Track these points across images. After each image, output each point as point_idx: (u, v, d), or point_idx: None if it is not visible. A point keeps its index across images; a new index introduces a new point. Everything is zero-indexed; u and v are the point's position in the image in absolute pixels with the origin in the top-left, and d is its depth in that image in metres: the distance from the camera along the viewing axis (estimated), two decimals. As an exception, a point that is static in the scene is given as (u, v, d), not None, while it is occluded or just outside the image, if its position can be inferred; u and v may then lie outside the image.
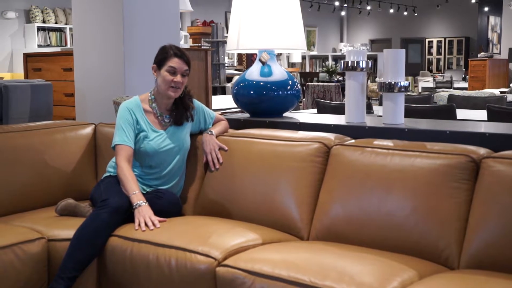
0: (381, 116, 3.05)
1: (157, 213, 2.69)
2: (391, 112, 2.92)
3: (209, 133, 3.00)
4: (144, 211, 2.64)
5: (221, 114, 3.32)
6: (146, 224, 2.59)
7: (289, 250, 2.37)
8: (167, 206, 2.77)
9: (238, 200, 2.82)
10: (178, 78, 2.83)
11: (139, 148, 2.87)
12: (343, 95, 9.26)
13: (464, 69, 17.01)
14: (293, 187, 2.68)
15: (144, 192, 2.86)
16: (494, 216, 2.16)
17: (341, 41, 20.21)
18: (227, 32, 3.59)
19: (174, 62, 2.82)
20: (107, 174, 2.96)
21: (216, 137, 3.01)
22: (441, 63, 18.97)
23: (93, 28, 4.38)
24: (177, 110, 2.93)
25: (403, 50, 2.96)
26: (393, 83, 2.87)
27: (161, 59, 2.85)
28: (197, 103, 3.04)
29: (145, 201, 2.68)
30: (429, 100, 6.10)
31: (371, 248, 2.36)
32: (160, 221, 2.62)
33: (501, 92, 8.80)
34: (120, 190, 2.73)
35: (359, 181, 2.51)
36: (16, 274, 2.48)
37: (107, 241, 2.58)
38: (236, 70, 12.69)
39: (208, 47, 7.18)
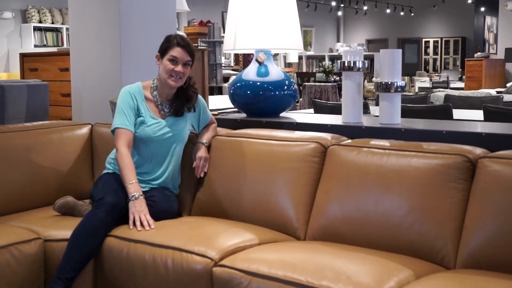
0: (377, 116, 3.05)
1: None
2: (387, 112, 2.93)
3: (205, 144, 2.97)
4: (139, 206, 2.62)
5: (218, 114, 3.32)
6: (141, 224, 2.58)
7: (285, 250, 2.37)
8: (161, 214, 2.72)
9: (234, 201, 2.81)
10: (179, 68, 2.81)
11: (134, 133, 2.83)
12: (340, 95, 9.25)
13: (460, 69, 17.03)
14: (289, 187, 2.68)
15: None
16: (490, 216, 2.16)
17: (338, 41, 20.21)
18: (224, 32, 3.59)
19: (176, 51, 2.81)
20: (106, 171, 2.94)
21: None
22: (438, 63, 19.00)
23: (89, 28, 4.37)
24: (178, 101, 2.91)
25: (400, 50, 2.97)
26: (389, 83, 2.87)
27: (164, 48, 2.84)
28: (200, 98, 3.01)
29: (141, 193, 2.67)
30: (426, 100, 6.10)
31: (368, 248, 2.36)
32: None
33: (498, 92, 8.83)
34: (117, 188, 2.72)
35: (356, 181, 2.51)
36: (12, 274, 2.47)
37: (104, 240, 2.58)
38: (233, 70, 12.70)
39: (204, 47, 7.18)
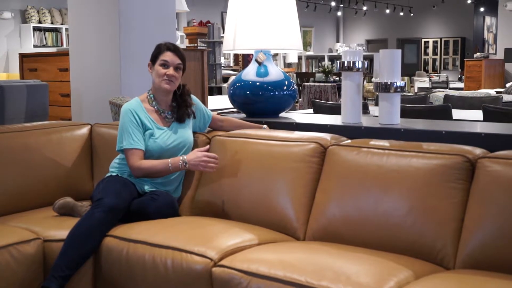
0: (377, 116, 3.05)
1: (152, 214, 2.70)
2: (387, 112, 2.93)
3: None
4: (195, 160, 2.74)
5: (218, 114, 3.32)
6: (210, 163, 2.75)
7: (285, 250, 2.37)
8: (162, 208, 2.76)
9: (234, 201, 2.81)
10: (170, 71, 2.87)
11: (146, 146, 2.87)
12: (339, 95, 9.26)
13: (460, 70, 17.04)
14: (289, 187, 2.68)
15: (142, 193, 2.85)
16: (490, 216, 2.16)
17: (337, 41, 20.22)
18: (223, 33, 3.60)
19: (166, 55, 2.88)
20: (109, 174, 2.95)
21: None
22: (437, 63, 18.99)
23: (89, 29, 4.37)
24: (179, 108, 2.96)
25: (399, 51, 2.97)
26: (389, 83, 2.87)
27: (155, 55, 2.92)
28: (195, 99, 3.06)
29: (183, 157, 2.78)
30: (425, 100, 6.11)
31: (367, 248, 2.36)
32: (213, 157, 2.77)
33: (497, 92, 8.83)
34: (117, 190, 2.72)
35: (355, 181, 2.51)
36: (12, 274, 2.47)
37: (101, 241, 2.58)
38: (233, 70, 12.70)
39: (204, 48, 7.18)
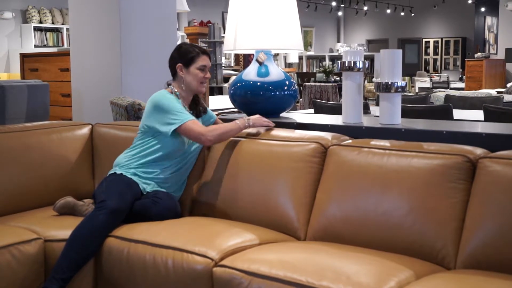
0: (378, 116, 3.05)
1: (154, 217, 2.70)
2: (388, 112, 2.92)
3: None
4: (255, 118, 2.92)
5: (218, 114, 3.33)
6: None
7: (286, 250, 2.37)
8: (164, 211, 2.74)
9: (235, 201, 2.81)
10: (208, 74, 2.97)
11: (168, 141, 2.86)
12: (340, 95, 9.25)
13: (460, 70, 17.03)
14: (290, 187, 2.68)
15: (145, 192, 2.85)
16: (491, 216, 2.16)
17: (338, 41, 20.22)
18: (224, 32, 3.60)
19: (204, 60, 2.96)
20: (112, 171, 2.93)
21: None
22: (438, 63, 18.99)
23: (90, 29, 4.38)
24: (197, 105, 3.03)
25: (400, 51, 2.96)
26: (390, 83, 2.87)
27: (189, 59, 2.93)
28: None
29: (246, 117, 2.92)
30: (426, 100, 6.10)
31: (368, 248, 2.36)
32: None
33: (498, 92, 8.82)
34: (120, 191, 2.71)
35: (356, 181, 2.51)
36: (13, 274, 2.47)
37: (103, 243, 2.58)
38: (233, 70, 12.70)
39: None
